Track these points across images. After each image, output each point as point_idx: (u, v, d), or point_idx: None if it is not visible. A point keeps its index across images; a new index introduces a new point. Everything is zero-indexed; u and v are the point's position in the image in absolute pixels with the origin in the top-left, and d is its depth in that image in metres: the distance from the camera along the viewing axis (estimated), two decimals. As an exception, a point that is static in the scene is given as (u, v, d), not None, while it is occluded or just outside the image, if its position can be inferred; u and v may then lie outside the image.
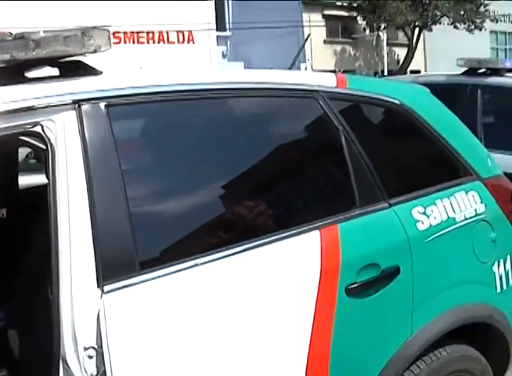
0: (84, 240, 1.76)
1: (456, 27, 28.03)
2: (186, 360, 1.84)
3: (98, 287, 1.75)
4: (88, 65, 2.00)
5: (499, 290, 2.62)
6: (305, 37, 23.05)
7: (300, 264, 2.07)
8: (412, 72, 21.87)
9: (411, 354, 2.29)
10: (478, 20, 28.05)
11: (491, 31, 31.84)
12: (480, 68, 5.62)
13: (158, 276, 1.82)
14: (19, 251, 2.76)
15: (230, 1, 27.14)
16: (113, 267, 1.77)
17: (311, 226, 2.12)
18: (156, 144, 2.06)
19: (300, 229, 2.11)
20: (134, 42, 10.86)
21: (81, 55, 1.93)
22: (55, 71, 1.89)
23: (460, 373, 2.49)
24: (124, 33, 10.56)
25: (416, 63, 28.33)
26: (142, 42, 10.95)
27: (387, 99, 2.52)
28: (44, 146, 1.82)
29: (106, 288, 1.75)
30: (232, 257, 1.96)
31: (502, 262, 2.63)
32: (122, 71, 2.20)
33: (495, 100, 5.82)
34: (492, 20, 28.73)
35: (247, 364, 1.95)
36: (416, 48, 28.73)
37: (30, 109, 1.77)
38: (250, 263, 1.99)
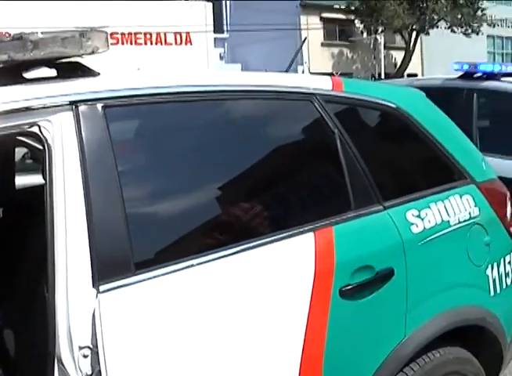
0: (80, 240, 1.77)
1: (453, 30, 28.13)
2: (181, 360, 1.85)
3: (93, 286, 1.75)
4: (85, 66, 2.01)
5: (492, 293, 2.63)
6: (303, 39, 23.09)
7: (294, 265, 2.08)
8: (409, 76, 21.92)
9: (404, 356, 2.29)
10: (475, 24, 28.15)
11: (488, 36, 31.96)
12: (476, 72, 5.64)
13: (153, 277, 1.83)
14: (15, 251, 2.76)
15: (228, 4, 27.19)
16: (108, 267, 1.78)
17: (306, 228, 2.13)
18: (152, 145, 2.07)
19: (295, 231, 2.11)
20: (131, 43, 10.85)
21: (78, 56, 1.94)
22: (53, 72, 1.89)
23: (454, 375, 2.51)
24: (122, 34, 10.58)
25: (413, 67, 28.41)
26: (140, 43, 10.94)
27: (383, 102, 2.53)
28: (41, 147, 1.83)
29: (102, 288, 1.75)
30: (228, 258, 1.96)
31: (495, 265, 2.64)
32: (119, 72, 2.21)
33: (491, 104, 5.83)
34: (489, 25, 28.84)
35: (241, 365, 1.96)
36: (413, 51, 28.81)
37: (27, 109, 1.78)
38: (246, 264, 2.00)
